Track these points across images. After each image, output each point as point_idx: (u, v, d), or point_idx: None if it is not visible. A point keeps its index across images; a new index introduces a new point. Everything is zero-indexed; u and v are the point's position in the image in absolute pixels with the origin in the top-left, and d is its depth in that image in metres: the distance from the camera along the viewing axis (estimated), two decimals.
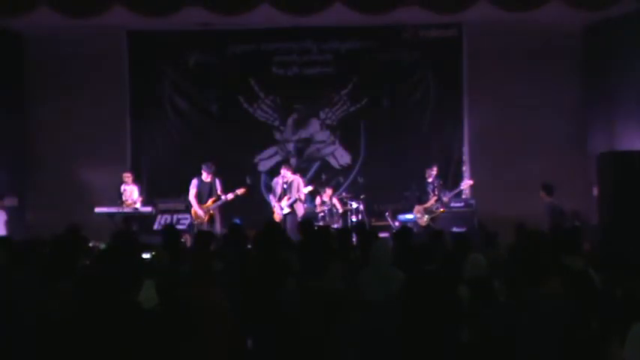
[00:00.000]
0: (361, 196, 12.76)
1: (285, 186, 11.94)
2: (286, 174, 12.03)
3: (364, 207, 12.64)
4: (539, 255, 4.40)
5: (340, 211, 12.56)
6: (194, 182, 11.70)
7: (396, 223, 12.49)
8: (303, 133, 13.97)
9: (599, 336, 4.35)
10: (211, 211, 11.64)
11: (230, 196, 11.60)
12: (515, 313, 4.29)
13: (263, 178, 13.71)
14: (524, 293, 4.28)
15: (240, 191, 11.71)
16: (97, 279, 4.25)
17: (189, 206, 11.94)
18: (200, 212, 11.62)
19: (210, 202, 11.63)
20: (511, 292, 4.62)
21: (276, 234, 7.15)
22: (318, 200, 12.62)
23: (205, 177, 11.68)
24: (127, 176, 12.41)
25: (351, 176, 13.79)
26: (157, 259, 6.21)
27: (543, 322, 4.16)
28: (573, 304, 4.36)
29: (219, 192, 11.64)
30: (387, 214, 13.02)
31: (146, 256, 6.45)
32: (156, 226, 12.81)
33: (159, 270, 5.77)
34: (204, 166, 11.71)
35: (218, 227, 11.53)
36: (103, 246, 7.16)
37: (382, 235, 9.96)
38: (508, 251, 6.17)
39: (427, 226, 11.74)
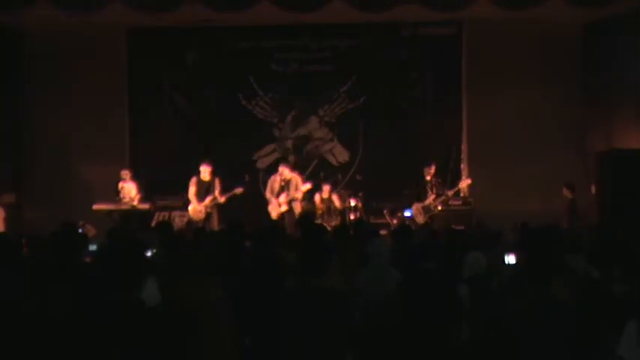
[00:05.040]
0: (359, 194, 12.75)
1: (283, 183, 11.94)
2: (284, 171, 12.03)
3: (362, 204, 12.62)
4: (545, 254, 4.41)
5: (338, 208, 12.54)
6: (193, 180, 11.72)
7: (394, 221, 12.48)
8: (302, 131, 13.96)
9: (599, 335, 4.35)
10: (209, 209, 11.65)
11: (223, 198, 11.61)
12: (518, 312, 4.29)
13: (261, 175, 13.68)
14: (529, 293, 4.28)
15: (238, 191, 11.71)
16: (98, 277, 4.25)
17: (187, 204, 11.94)
18: (198, 210, 11.63)
19: (208, 200, 11.64)
20: (515, 291, 4.62)
21: (275, 232, 7.14)
22: (316, 198, 12.60)
23: (204, 175, 11.69)
24: (125, 173, 12.39)
25: (350, 174, 13.78)
26: (158, 257, 6.21)
27: (547, 321, 4.17)
28: (575, 304, 4.36)
29: (216, 192, 11.64)
30: (385, 211, 13.02)
31: (148, 253, 6.43)
32: (153, 224, 12.80)
33: (160, 267, 5.76)
34: (201, 163, 11.72)
35: (215, 225, 11.53)
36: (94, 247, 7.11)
37: (381, 232, 9.94)
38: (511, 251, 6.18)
39: (425, 225, 11.73)
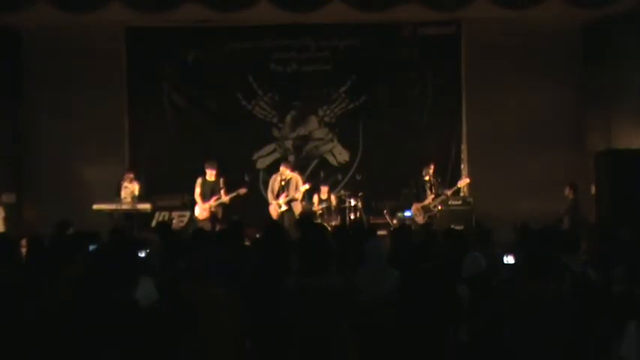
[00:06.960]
0: (359, 194, 12.75)
1: (283, 183, 11.96)
2: (285, 171, 12.04)
3: (362, 204, 12.63)
4: (544, 254, 4.42)
5: (338, 208, 12.55)
6: (198, 181, 11.79)
7: (394, 221, 12.49)
8: (302, 131, 13.96)
9: (597, 334, 4.36)
10: (213, 210, 11.70)
11: (226, 197, 11.65)
12: (517, 312, 4.30)
13: (261, 175, 13.69)
14: (528, 292, 4.30)
15: (241, 191, 11.75)
16: (94, 277, 4.25)
17: (192, 204, 11.99)
18: (203, 210, 11.68)
19: (213, 200, 11.68)
20: (515, 291, 4.63)
21: (276, 233, 7.15)
22: (315, 198, 12.61)
23: (209, 175, 11.74)
24: (129, 175, 12.37)
25: (349, 174, 13.78)
26: (154, 257, 6.21)
27: (545, 321, 4.18)
28: (573, 303, 4.37)
29: (222, 192, 11.69)
30: (384, 211, 13.03)
31: (142, 254, 6.44)
32: (153, 224, 12.81)
33: (156, 267, 5.77)
34: (206, 164, 11.77)
35: (219, 225, 11.55)
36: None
37: (380, 232, 9.94)
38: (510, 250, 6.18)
39: (425, 224, 11.74)
